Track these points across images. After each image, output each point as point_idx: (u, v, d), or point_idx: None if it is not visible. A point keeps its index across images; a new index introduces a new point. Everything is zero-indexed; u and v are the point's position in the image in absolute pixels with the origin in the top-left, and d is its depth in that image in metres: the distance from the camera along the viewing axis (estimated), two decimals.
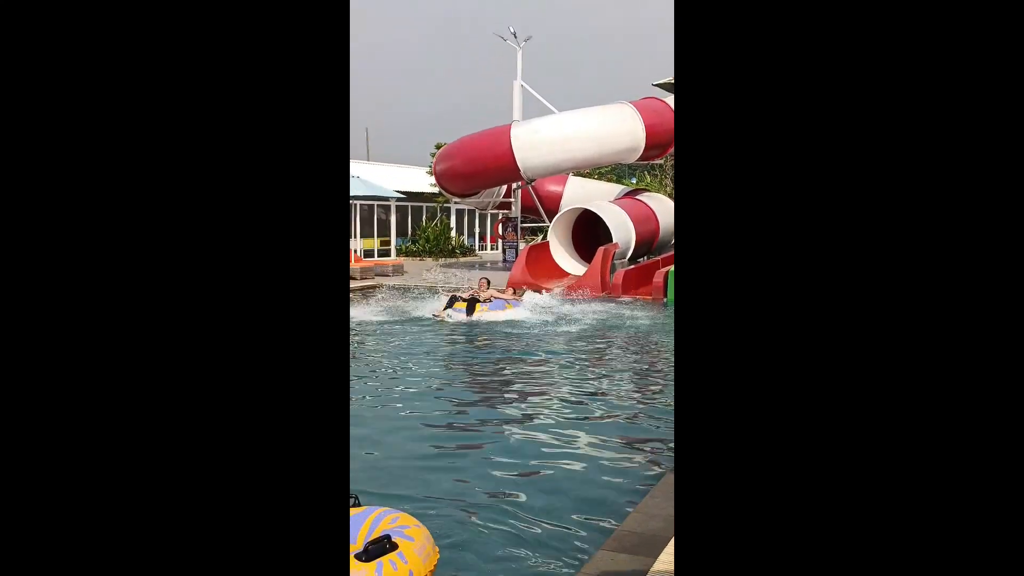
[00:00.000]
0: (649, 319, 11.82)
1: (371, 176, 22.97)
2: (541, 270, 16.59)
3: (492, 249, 28.53)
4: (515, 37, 21.19)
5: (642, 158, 18.76)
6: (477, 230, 30.08)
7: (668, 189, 24.85)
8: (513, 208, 21.96)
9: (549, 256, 17.29)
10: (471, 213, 28.97)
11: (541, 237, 21.41)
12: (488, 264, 22.48)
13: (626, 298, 14.30)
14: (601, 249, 15.53)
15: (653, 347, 9.73)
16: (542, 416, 6.43)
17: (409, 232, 26.89)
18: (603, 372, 8.37)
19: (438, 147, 24.12)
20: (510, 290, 11.94)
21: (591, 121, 18.18)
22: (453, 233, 27.08)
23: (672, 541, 3.12)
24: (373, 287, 16.41)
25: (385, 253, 24.91)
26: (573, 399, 7.06)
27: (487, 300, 11.60)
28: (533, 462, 5.16)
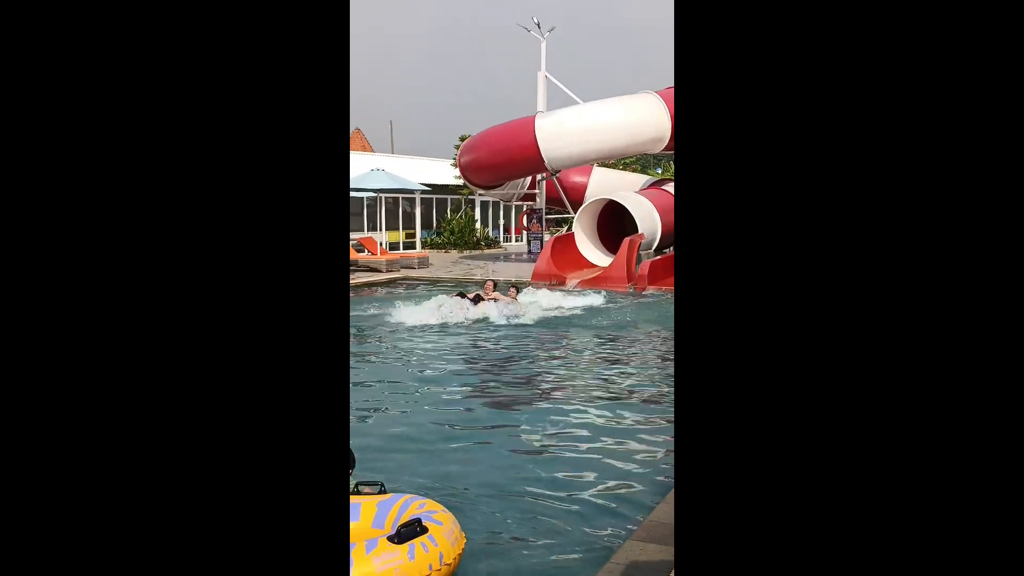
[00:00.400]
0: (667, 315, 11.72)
1: (396, 169, 23.01)
2: (566, 261, 16.55)
3: (517, 241, 28.52)
4: (539, 28, 21.13)
5: (667, 148, 18.59)
6: (502, 222, 30.08)
7: None
8: (538, 199, 21.93)
9: (574, 247, 17.25)
10: (496, 205, 28.97)
11: (566, 228, 21.38)
12: (513, 256, 22.49)
13: (652, 289, 14.22)
14: (627, 240, 15.45)
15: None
16: (568, 407, 6.43)
17: (434, 224, 26.97)
18: (630, 365, 8.34)
19: (462, 139, 24.16)
20: (514, 290, 12.00)
21: (616, 111, 18.08)
22: (478, 225, 27.12)
23: None
24: (399, 280, 16.51)
25: (410, 246, 25.01)
26: (598, 392, 7.05)
27: (492, 301, 11.68)
28: (559, 453, 5.16)
